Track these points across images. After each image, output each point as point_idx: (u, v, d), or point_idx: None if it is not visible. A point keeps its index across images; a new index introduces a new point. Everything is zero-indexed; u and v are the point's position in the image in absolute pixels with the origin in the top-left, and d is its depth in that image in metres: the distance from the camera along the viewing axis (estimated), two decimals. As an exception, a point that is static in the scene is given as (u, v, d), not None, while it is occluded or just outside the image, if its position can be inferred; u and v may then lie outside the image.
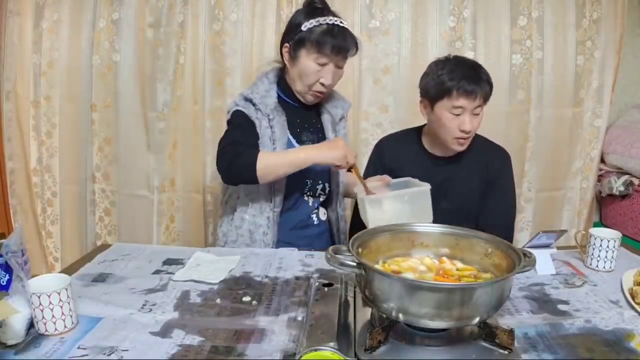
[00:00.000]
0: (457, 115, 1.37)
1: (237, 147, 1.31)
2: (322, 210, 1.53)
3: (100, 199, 2.30)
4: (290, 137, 1.42)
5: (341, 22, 1.34)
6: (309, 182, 1.45)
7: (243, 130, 1.38)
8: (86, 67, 2.15)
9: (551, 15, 2.09)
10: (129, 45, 2.12)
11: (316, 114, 1.50)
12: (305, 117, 1.47)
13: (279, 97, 1.42)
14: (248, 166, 1.27)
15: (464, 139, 1.41)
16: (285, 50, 1.39)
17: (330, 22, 1.32)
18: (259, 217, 1.41)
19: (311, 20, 1.32)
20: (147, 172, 2.22)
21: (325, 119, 1.49)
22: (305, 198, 1.48)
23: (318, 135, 1.48)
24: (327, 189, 1.51)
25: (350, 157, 1.28)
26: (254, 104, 1.39)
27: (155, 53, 2.11)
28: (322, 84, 1.36)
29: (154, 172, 2.22)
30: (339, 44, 1.32)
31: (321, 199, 1.51)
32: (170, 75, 2.12)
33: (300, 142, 1.43)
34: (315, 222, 1.50)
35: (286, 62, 1.40)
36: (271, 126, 1.39)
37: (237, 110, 1.40)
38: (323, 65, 1.33)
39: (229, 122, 1.42)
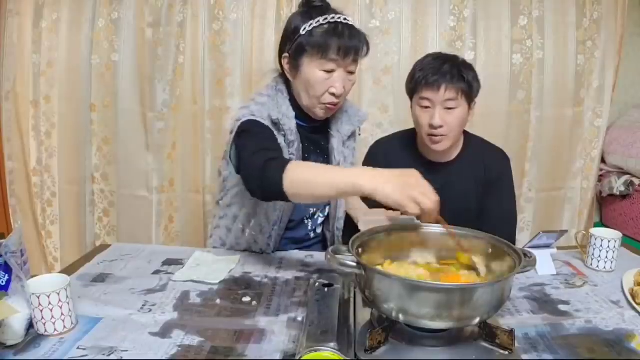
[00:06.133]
0: (426, 108, 1.33)
1: (268, 153, 1.07)
2: (319, 228, 1.44)
3: (99, 200, 2.30)
4: None
5: (345, 18, 1.17)
6: (311, 210, 1.37)
7: (266, 137, 1.17)
8: (85, 66, 2.15)
9: (551, 15, 2.09)
10: (128, 45, 2.11)
11: (325, 136, 1.34)
12: (314, 139, 1.32)
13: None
14: (274, 178, 1.00)
15: (435, 135, 1.33)
16: (285, 60, 1.23)
17: (333, 20, 1.15)
18: (259, 235, 1.30)
19: (310, 22, 1.15)
20: (146, 173, 2.22)
21: (334, 140, 1.33)
22: (305, 222, 1.39)
23: (324, 157, 1.34)
24: (327, 213, 1.42)
25: (424, 201, 0.87)
26: (280, 129, 1.20)
27: (154, 53, 2.10)
28: (333, 94, 1.19)
29: (153, 172, 2.22)
30: (346, 44, 1.14)
31: (319, 222, 1.42)
32: (169, 75, 2.12)
33: None
34: (312, 237, 1.42)
35: (288, 75, 1.24)
36: (291, 153, 1.22)
37: (254, 120, 1.18)
38: (330, 72, 1.17)
39: (240, 133, 1.19)
